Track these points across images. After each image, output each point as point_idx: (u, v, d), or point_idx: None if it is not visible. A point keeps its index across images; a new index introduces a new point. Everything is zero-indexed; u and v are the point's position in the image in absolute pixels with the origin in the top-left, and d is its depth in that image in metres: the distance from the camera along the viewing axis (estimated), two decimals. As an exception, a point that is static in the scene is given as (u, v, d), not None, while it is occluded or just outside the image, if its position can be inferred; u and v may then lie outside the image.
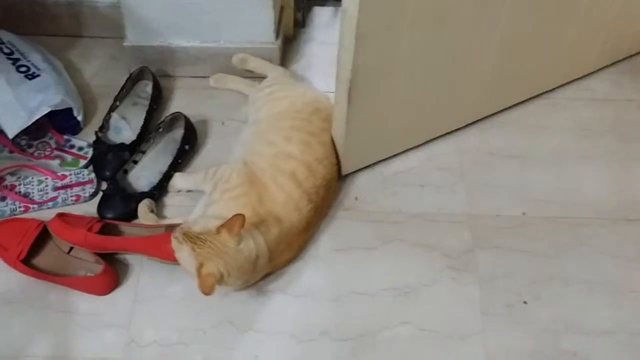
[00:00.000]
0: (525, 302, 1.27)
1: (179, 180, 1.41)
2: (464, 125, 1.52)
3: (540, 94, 1.60)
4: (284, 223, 1.25)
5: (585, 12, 1.44)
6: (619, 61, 1.67)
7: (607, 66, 1.66)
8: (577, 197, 1.43)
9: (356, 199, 1.41)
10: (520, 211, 1.40)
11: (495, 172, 1.47)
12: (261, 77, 1.58)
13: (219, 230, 1.15)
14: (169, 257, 1.22)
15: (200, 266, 1.13)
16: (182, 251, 1.16)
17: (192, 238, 1.15)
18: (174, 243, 1.17)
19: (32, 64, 1.48)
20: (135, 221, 1.36)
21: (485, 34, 1.32)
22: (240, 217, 1.14)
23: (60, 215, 1.29)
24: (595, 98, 1.61)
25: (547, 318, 1.26)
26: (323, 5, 1.81)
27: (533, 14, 1.35)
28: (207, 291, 1.11)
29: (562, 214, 1.40)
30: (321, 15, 1.79)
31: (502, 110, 1.57)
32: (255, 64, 1.58)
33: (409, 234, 1.36)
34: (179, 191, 1.41)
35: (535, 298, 1.28)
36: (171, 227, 1.29)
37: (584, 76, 1.64)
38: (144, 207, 1.35)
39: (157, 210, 1.39)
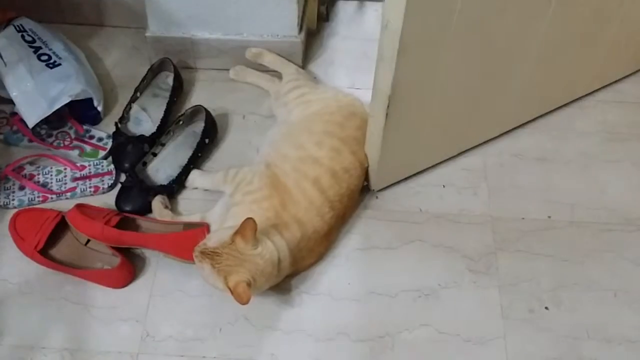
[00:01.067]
0: (547, 308, 1.25)
1: (197, 179, 1.39)
2: (498, 135, 1.49)
3: (569, 97, 1.58)
4: (307, 227, 1.24)
5: (621, 20, 1.41)
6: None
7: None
8: (603, 201, 1.40)
9: (377, 197, 1.39)
10: (545, 214, 1.37)
11: (520, 174, 1.44)
12: (278, 73, 1.56)
13: (232, 239, 1.13)
14: (186, 256, 1.22)
15: (225, 280, 1.12)
16: (204, 270, 1.14)
17: (209, 254, 1.13)
18: (196, 263, 1.16)
19: (54, 53, 1.46)
20: (151, 216, 1.35)
21: (524, 45, 1.29)
22: (250, 221, 1.12)
23: (79, 207, 1.28)
24: (624, 101, 1.57)
25: (569, 324, 1.23)
26: (347, -1, 1.79)
27: (571, 24, 1.32)
28: (243, 300, 1.10)
29: (588, 218, 1.37)
30: (345, 9, 1.77)
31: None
32: (270, 59, 1.56)
33: (430, 235, 1.34)
34: (196, 188, 1.40)
35: (558, 304, 1.26)
36: (189, 225, 1.28)
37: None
38: (158, 203, 1.34)
39: (173, 204, 1.38)
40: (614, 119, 1.54)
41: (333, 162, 1.29)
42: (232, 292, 1.11)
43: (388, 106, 1.17)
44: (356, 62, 1.65)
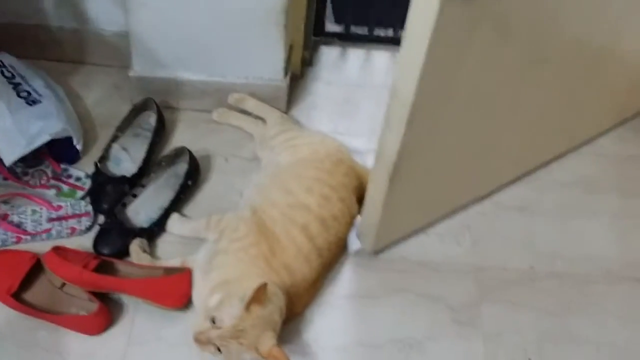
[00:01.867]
0: (530, 360, 1.25)
1: (175, 225, 1.35)
2: (489, 191, 1.49)
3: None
4: (296, 275, 1.22)
5: (604, 81, 1.45)
6: (627, 119, 1.67)
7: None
8: (584, 253, 1.41)
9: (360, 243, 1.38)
10: (527, 264, 1.38)
11: (501, 223, 1.45)
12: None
13: (248, 309, 1.08)
14: (166, 303, 1.19)
15: (256, 350, 1.07)
16: (230, 352, 1.09)
17: (233, 334, 1.08)
18: (221, 352, 1.10)
19: (34, 90, 1.43)
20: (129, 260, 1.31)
21: (519, 108, 1.32)
22: (262, 288, 1.08)
23: (56, 249, 1.24)
24: (601, 153, 1.60)
25: (553, 378, 1.23)
26: (330, 44, 1.80)
27: (561, 88, 1.36)
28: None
29: (569, 269, 1.38)
30: (328, 54, 1.78)
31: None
32: (253, 105, 1.55)
33: (414, 284, 1.33)
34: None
35: (541, 356, 1.25)
36: (170, 270, 1.25)
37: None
38: (135, 247, 1.30)
39: (153, 247, 1.34)
40: (590, 170, 1.56)
41: (322, 210, 1.28)
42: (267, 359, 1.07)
43: (392, 172, 1.16)
44: (338, 107, 1.66)
